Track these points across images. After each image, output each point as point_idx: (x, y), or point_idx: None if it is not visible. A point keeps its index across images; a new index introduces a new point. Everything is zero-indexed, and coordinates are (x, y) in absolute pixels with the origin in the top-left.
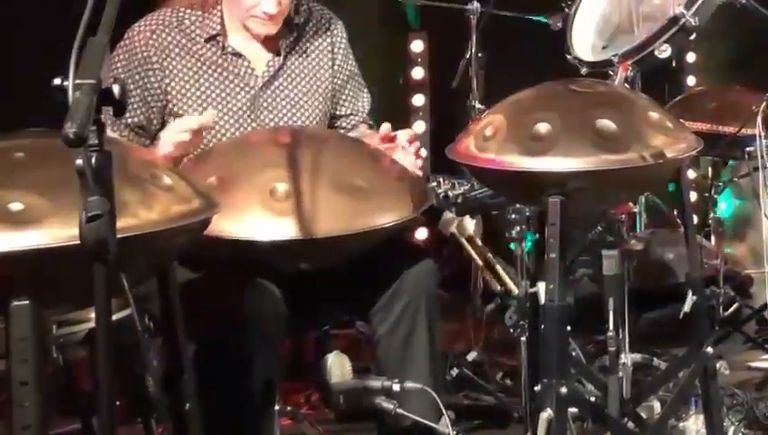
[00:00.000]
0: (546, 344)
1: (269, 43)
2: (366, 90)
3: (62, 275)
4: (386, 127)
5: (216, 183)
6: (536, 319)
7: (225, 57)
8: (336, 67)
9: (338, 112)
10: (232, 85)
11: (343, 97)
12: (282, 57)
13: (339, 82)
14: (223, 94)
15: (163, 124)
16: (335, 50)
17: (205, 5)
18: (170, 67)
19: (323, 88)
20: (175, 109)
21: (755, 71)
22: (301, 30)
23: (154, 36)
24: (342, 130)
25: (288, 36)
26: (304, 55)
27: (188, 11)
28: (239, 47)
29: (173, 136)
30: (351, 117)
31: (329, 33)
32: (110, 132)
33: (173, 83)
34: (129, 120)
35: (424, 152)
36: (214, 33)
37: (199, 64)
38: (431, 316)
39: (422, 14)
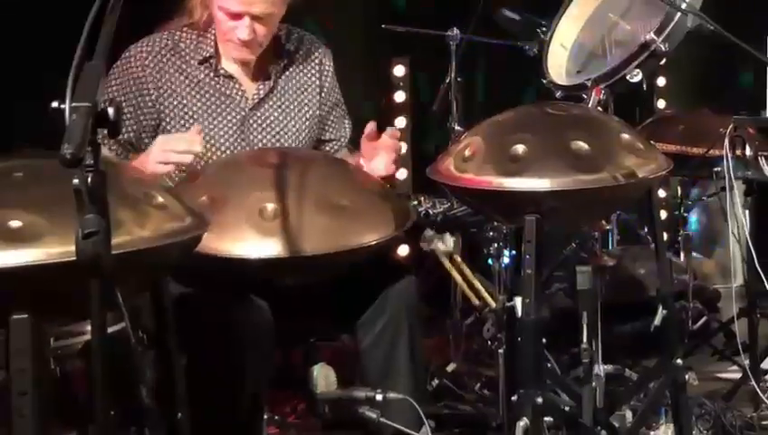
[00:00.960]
0: (522, 356)
1: (260, 67)
2: (347, 118)
3: (59, 289)
4: (372, 126)
5: (207, 202)
6: (513, 332)
7: (218, 79)
8: (323, 94)
9: (323, 138)
10: (223, 106)
11: (328, 123)
12: (271, 81)
13: (325, 108)
14: (214, 115)
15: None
16: (323, 77)
17: (198, 28)
18: (165, 87)
19: (311, 112)
20: (168, 127)
21: (723, 94)
22: (291, 56)
23: (150, 58)
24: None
25: (278, 62)
26: (293, 80)
27: (183, 33)
28: (231, 70)
29: (173, 156)
30: (334, 142)
31: (318, 61)
32: (104, 150)
33: (167, 102)
34: (121, 137)
35: (404, 147)
36: (207, 55)
37: (192, 85)
38: (413, 330)
39: (404, 40)
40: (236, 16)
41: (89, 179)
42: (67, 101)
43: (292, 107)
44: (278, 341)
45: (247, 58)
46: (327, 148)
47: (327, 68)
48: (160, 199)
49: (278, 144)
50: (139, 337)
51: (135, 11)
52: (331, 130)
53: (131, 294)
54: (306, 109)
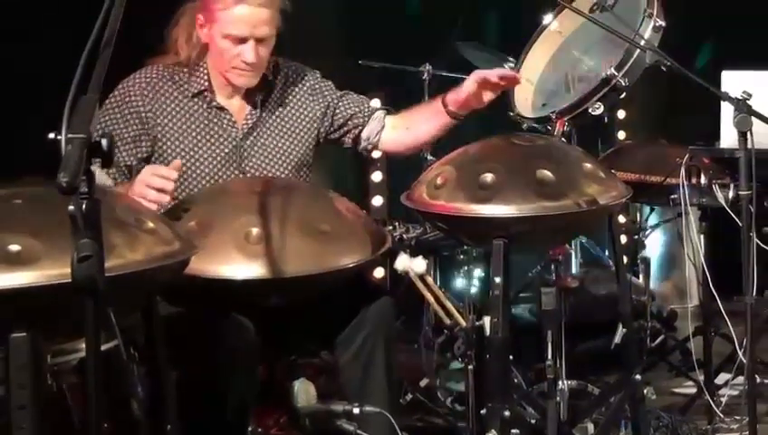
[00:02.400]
0: (491, 372)
1: (248, 97)
2: (366, 97)
3: (56, 309)
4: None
5: (195, 227)
6: (482, 349)
7: (210, 111)
8: (326, 97)
9: (341, 119)
10: (216, 136)
11: (342, 106)
12: (258, 110)
13: (334, 101)
14: (208, 145)
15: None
16: (315, 86)
17: (189, 64)
18: (161, 117)
19: (301, 136)
20: (164, 156)
21: (679, 126)
22: (275, 85)
23: (149, 88)
24: (356, 130)
25: (265, 91)
26: (281, 106)
27: (176, 68)
28: (223, 102)
29: (150, 193)
30: (358, 115)
31: (304, 79)
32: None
33: (164, 132)
34: (119, 162)
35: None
36: (202, 88)
37: (188, 116)
38: (388, 347)
39: (380, 75)
40: (242, 41)
41: (83, 206)
42: (63, 133)
43: (280, 133)
44: (262, 357)
45: (250, 82)
46: (350, 125)
47: (317, 78)
48: (151, 225)
49: (269, 167)
50: (131, 354)
51: (120, 49)
52: (349, 107)
53: (124, 313)
54: (296, 133)
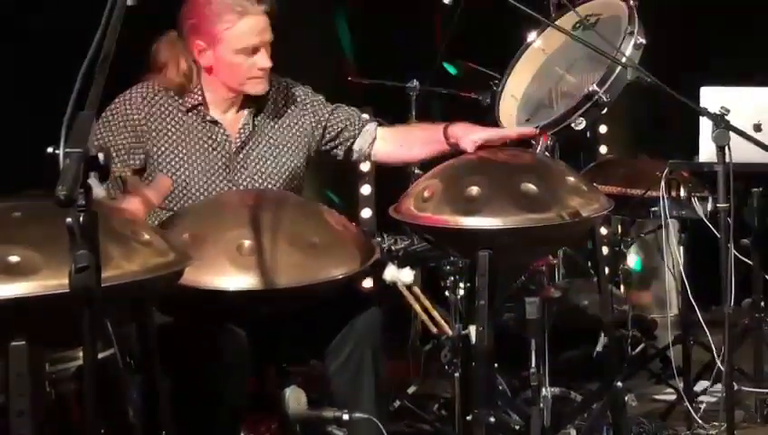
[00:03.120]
0: (476, 379)
1: (242, 112)
2: (357, 109)
3: (54, 319)
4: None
5: (189, 239)
6: (468, 357)
7: (205, 125)
8: (316, 110)
9: (333, 132)
10: (210, 149)
11: (334, 120)
12: (251, 124)
13: (325, 116)
14: (202, 158)
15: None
16: (307, 100)
17: (183, 91)
18: (157, 130)
19: (292, 150)
20: (159, 168)
21: (659, 141)
22: (267, 100)
23: (145, 102)
24: (348, 143)
25: (257, 106)
26: (273, 121)
27: (169, 88)
28: (217, 117)
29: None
30: (349, 127)
31: (295, 94)
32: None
33: (159, 144)
34: (115, 174)
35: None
36: (196, 103)
37: (182, 130)
38: (376, 355)
39: (368, 90)
40: (255, 50)
41: (81, 218)
42: (61, 147)
43: (273, 147)
44: (254, 365)
45: (266, 87)
46: (342, 138)
47: (308, 93)
48: (146, 236)
49: (261, 179)
50: (127, 362)
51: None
52: (340, 120)
53: (120, 322)
54: (288, 147)
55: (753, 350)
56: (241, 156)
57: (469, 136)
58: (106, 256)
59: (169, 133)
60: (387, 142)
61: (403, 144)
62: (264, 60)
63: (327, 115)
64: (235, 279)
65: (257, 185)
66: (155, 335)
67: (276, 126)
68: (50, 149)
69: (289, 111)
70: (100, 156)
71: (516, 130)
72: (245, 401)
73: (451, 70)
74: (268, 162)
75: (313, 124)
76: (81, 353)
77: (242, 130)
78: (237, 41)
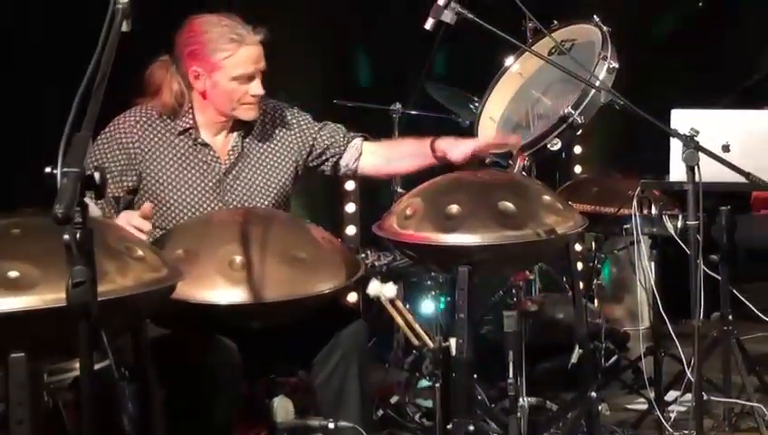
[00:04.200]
0: (456, 390)
1: (231, 134)
2: (343, 127)
3: (52, 331)
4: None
5: (182, 255)
6: (448, 369)
7: (196, 147)
8: (303, 130)
9: (322, 148)
10: (201, 171)
11: (320, 138)
12: (240, 146)
13: (313, 134)
14: (193, 179)
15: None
16: (293, 121)
17: (176, 114)
18: (150, 152)
19: (280, 169)
20: (152, 189)
21: (631, 161)
22: (255, 122)
23: (138, 126)
24: (334, 159)
25: (246, 129)
26: (261, 143)
27: (163, 109)
28: (207, 139)
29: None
30: (335, 144)
31: (282, 116)
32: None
33: (150, 167)
34: (109, 193)
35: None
36: (187, 126)
37: (174, 152)
38: (361, 366)
39: (353, 113)
40: (251, 78)
41: (77, 235)
42: (59, 167)
43: (261, 167)
44: (244, 376)
45: (257, 113)
46: (328, 154)
47: (296, 115)
48: (140, 253)
49: (249, 199)
50: (122, 373)
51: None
52: (326, 137)
53: (115, 335)
54: (275, 168)
55: (722, 361)
56: (230, 176)
57: (457, 147)
58: (102, 272)
59: (162, 156)
60: (373, 156)
61: (390, 158)
62: (257, 88)
63: (314, 134)
64: (226, 293)
65: (246, 204)
66: (149, 347)
67: (264, 147)
68: (48, 169)
69: (276, 132)
70: (96, 175)
71: (500, 137)
72: (236, 410)
73: (432, 93)
74: (257, 182)
75: (300, 143)
76: (77, 364)
77: (231, 152)
78: (234, 69)
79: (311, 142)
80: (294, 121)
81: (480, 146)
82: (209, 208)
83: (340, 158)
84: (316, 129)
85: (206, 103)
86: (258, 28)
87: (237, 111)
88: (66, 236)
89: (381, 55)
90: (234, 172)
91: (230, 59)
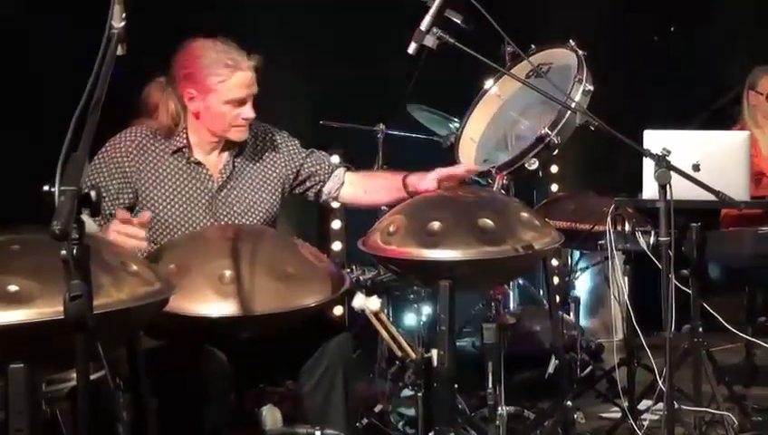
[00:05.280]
0: (438, 399)
1: (223, 154)
2: (327, 155)
3: (50, 343)
4: (442, 171)
5: (175, 269)
6: (430, 379)
7: (189, 166)
8: (291, 155)
9: (307, 175)
10: (194, 189)
11: (307, 165)
12: (232, 165)
13: (299, 161)
14: (186, 196)
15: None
16: (282, 145)
17: (171, 133)
18: (144, 171)
19: (269, 188)
20: (147, 206)
21: (606, 179)
22: (246, 143)
23: (133, 146)
24: (318, 186)
25: (238, 148)
26: (252, 163)
27: (157, 129)
28: (200, 158)
29: (118, 238)
30: (319, 172)
31: (273, 139)
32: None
33: (146, 185)
34: (105, 212)
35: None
36: (181, 146)
37: (168, 171)
38: (347, 377)
39: (339, 133)
40: (243, 102)
41: (74, 251)
42: (56, 186)
43: (251, 186)
44: (234, 385)
45: (247, 135)
46: (313, 181)
47: (285, 138)
48: (134, 267)
49: (240, 216)
50: (117, 383)
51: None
52: (312, 165)
53: (110, 346)
54: (265, 187)
55: (692, 371)
56: (222, 194)
57: (424, 181)
58: (97, 286)
59: (156, 174)
60: (353, 186)
61: (367, 190)
62: (248, 111)
63: (301, 160)
64: (216, 306)
65: (237, 220)
66: (142, 358)
67: (255, 167)
68: (46, 187)
69: (267, 153)
70: (92, 194)
71: (463, 167)
72: (226, 418)
73: (415, 114)
74: (247, 200)
75: (288, 167)
76: (74, 375)
77: (223, 171)
78: (228, 93)
79: (297, 167)
80: (283, 145)
81: (442, 176)
82: (202, 224)
83: (324, 185)
84: (303, 155)
85: (199, 124)
86: (252, 54)
87: (229, 133)
88: (64, 252)
89: (367, 77)
90: (225, 190)
91: (224, 83)
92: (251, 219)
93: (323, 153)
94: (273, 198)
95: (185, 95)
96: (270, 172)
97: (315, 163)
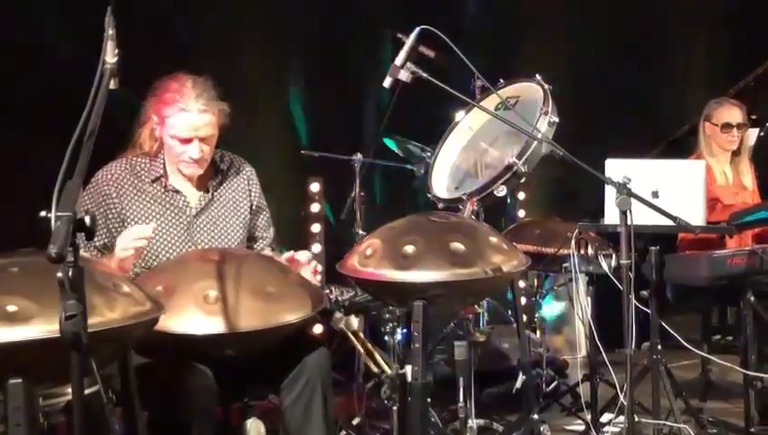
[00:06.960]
0: (412, 413)
1: (200, 182)
2: (272, 224)
3: (46, 359)
4: (289, 253)
5: (162, 291)
6: (404, 393)
7: (167, 193)
8: (252, 199)
9: (254, 235)
10: (172, 215)
11: (257, 225)
12: (210, 193)
13: (254, 211)
14: (166, 222)
15: None
16: (250, 186)
17: (150, 155)
18: (126, 201)
19: (243, 216)
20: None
21: (570, 206)
22: (224, 173)
23: (113, 179)
24: (251, 243)
25: (215, 178)
26: (227, 192)
27: (139, 159)
28: (178, 186)
29: (131, 242)
30: (261, 240)
31: (245, 176)
32: (82, 252)
33: (129, 212)
34: (97, 242)
35: (320, 267)
36: (159, 175)
37: (148, 199)
38: (326, 391)
39: (319, 162)
40: (187, 141)
41: (70, 273)
42: (53, 211)
43: (227, 213)
44: (219, 400)
45: (197, 172)
46: (256, 245)
47: (254, 182)
48: (126, 289)
49: (217, 243)
50: (110, 398)
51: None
52: (259, 230)
53: (103, 363)
54: (239, 214)
55: (651, 386)
56: (199, 221)
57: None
58: (91, 306)
59: (138, 202)
60: None
61: None
62: (193, 151)
63: (254, 211)
64: (202, 324)
65: (215, 244)
66: (134, 374)
67: (229, 197)
68: (42, 213)
69: (238, 185)
70: (87, 219)
71: (306, 256)
72: (212, 431)
73: (390, 144)
74: (223, 227)
75: (249, 197)
76: (70, 389)
77: (201, 199)
78: (172, 129)
79: (252, 205)
80: (250, 182)
81: (288, 258)
82: (180, 249)
83: (253, 243)
84: (256, 207)
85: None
86: (214, 102)
87: (179, 166)
88: (60, 274)
89: (345, 109)
90: (203, 217)
91: (171, 118)
92: (228, 243)
93: (269, 220)
94: (245, 222)
95: (154, 119)
96: (240, 198)
97: (259, 228)
